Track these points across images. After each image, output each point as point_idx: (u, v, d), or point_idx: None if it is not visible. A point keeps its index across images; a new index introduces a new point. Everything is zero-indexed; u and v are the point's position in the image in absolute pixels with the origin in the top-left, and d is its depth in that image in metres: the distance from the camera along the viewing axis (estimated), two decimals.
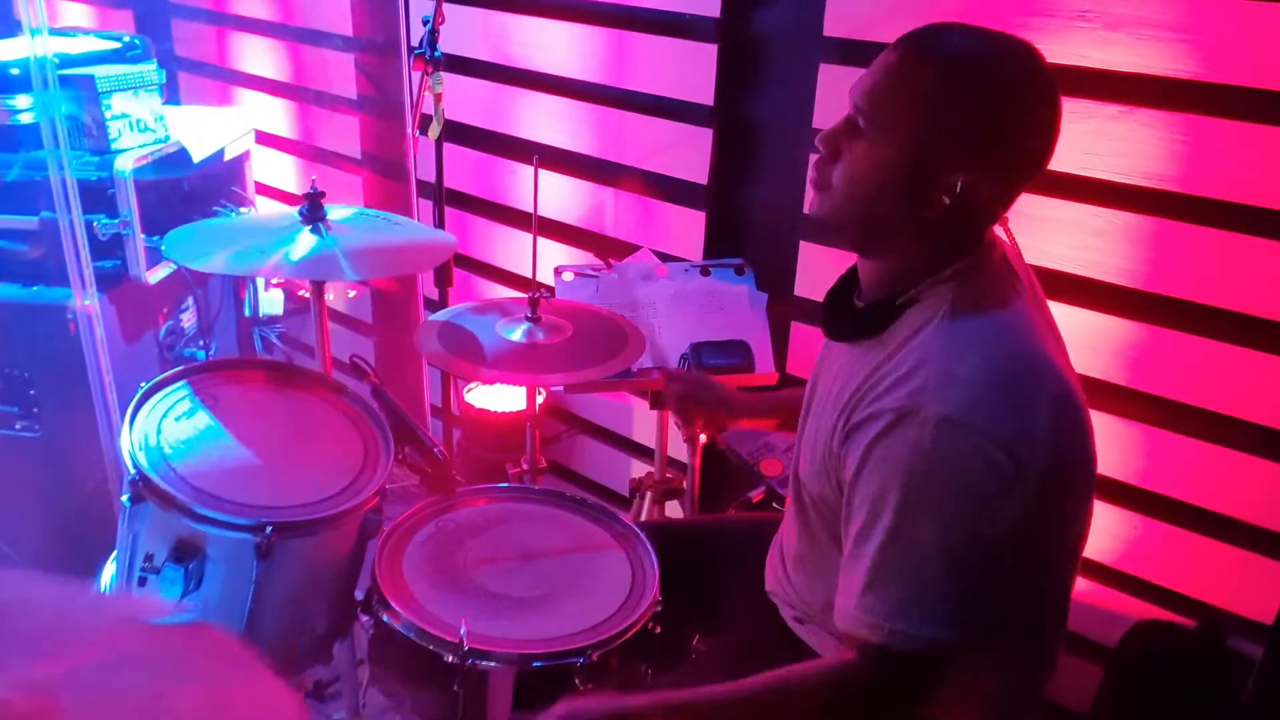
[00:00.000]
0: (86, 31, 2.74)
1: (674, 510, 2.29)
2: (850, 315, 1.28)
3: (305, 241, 1.88)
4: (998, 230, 1.25)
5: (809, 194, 1.26)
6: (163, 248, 1.92)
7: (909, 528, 1.09)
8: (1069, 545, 1.22)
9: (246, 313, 2.85)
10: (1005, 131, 1.12)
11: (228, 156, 2.66)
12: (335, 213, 1.98)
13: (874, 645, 1.12)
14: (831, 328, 1.33)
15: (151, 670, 0.91)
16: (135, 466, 1.55)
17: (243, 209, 2.73)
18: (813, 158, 1.24)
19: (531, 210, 1.97)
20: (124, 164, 2.21)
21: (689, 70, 2.23)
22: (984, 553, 1.09)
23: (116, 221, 2.22)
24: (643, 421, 2.60)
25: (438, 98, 2.26)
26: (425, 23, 2.33)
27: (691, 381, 1.80)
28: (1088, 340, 1.83)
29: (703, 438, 2.06)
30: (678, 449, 2.19)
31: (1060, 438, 1.12)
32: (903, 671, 1.12)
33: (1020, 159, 1.15)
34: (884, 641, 1.11)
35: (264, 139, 3.16)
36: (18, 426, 2.27)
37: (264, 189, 3.23)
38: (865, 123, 1.15)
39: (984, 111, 1.11)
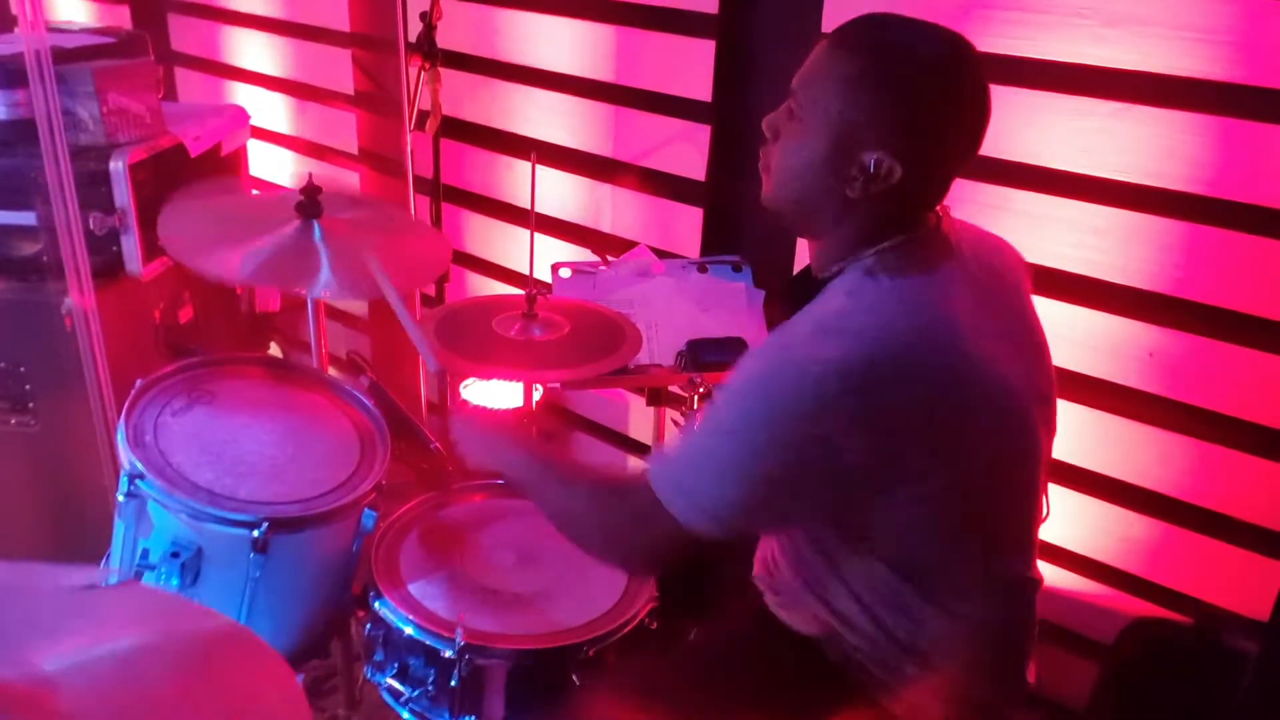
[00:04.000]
0: (83, 26, 2.73)
1: None
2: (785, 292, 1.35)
3: (298, 249, 1.86)
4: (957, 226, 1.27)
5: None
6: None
7: (716, 421, 1.19)
8: (961, 491, 1.19)
9: (243, 308, 2.85)
10: (920, 116, 1.15)
11: (224, 151, 2.65)
12: (332, 209, 1.97)
13: (651, 489, 1.20)
14: (773, 308, 1.38)
15: (142, 655, 0.91)
16: (131, 462, 1.55)
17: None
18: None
19: (529, 206, 1.97)
20: (120, 159, 2.21)
21: (687, 66, 2.23)
22: (774, 464, 1.13)
23: (113, 216, 2.22)
24: (639, 418, 2.60)
25: (435, 92, 2.26)
26: (423, 18, 2.33)
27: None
28: (1085, 339, 1.83)
29: None
30: None
31: (915, 391, 1.12)
32: (660, 524, 1.18)
33: (937, 143, 1.17)
34: (655, 494, 1.19)
35: (260, 134, 3.16)
36: (13, 422, 2.26)
37: (260, 184, 3.22)
38: (796, 105, 1.20)
39: (898, 95, 1.14)
